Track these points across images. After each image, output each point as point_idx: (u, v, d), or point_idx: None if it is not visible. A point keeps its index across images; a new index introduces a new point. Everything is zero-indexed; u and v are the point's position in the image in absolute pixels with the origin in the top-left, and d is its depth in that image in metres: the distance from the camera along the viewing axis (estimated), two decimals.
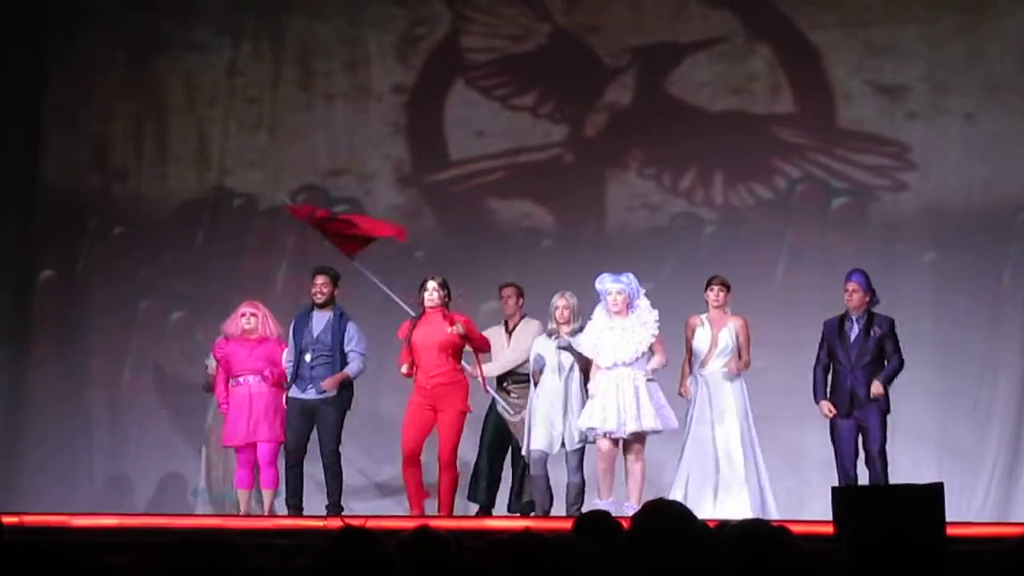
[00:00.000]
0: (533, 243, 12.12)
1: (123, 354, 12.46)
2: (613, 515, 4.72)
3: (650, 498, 4.30)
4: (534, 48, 12.34)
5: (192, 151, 12.67)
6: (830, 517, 6.82)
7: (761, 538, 3.67)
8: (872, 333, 9.54)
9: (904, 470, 9.93)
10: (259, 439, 10.08)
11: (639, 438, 9.31)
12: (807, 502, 10.67)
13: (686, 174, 11.99)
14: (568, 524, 5.06)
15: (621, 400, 9.20)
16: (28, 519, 9.01)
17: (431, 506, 9.98)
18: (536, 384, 9.54)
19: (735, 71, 11.99)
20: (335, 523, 7.94)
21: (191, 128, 12.69)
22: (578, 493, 9.45)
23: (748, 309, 9.91)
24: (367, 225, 10.36)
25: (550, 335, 9.56)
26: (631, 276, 9.41)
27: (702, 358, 9.60)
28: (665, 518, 3.75)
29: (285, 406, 9.98)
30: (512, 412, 9.83)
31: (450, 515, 9.63)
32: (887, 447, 9.47)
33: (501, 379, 9.97)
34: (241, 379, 10.13)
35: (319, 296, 9.91)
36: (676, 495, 9.21)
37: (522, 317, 10.07)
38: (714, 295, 9.65)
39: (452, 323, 9.51)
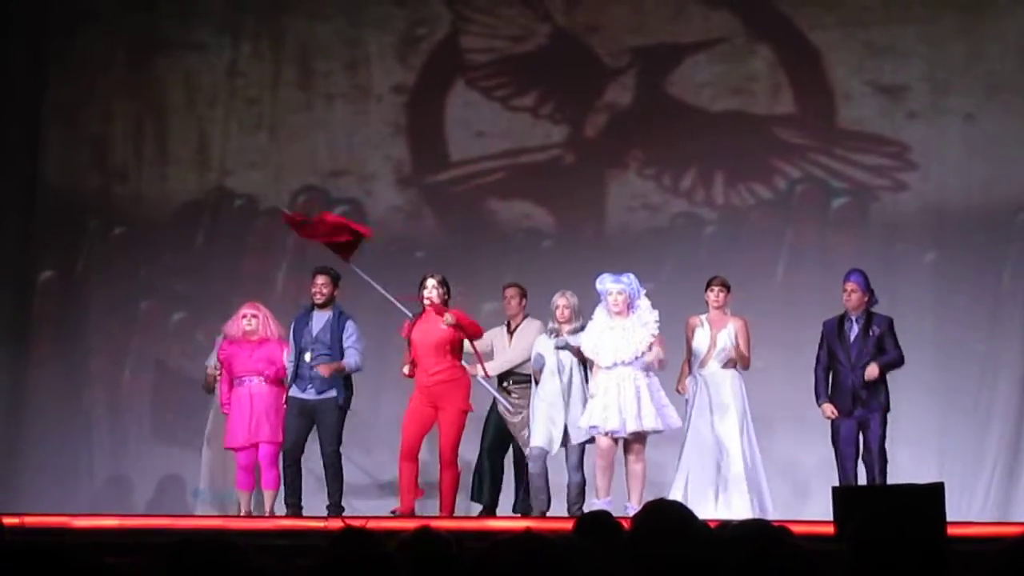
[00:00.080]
0: (533, 243, 12.12)
1: (123, 354, 12.46)
2: (613, 515, 4.73)
3: (651, 498, 4.30)
4: (534, 49, 12.34)
5: (192, 151, 12.68)
6: (830, 517, 6.83)
7: (762, 538, 3.67)
8: (871, 333, 9.55)
9: (904, 470, 9.94)
10: (260, 440, 10.10)
11: (640, 438, 9.32)
12: (807, 502, 10.68)
13: (686, 174, 11.99)
14: (569, 524, 5.06)
15: (622, 400, 9.20)
16: (28, 520, 9.01)
17: (431, 506, 9.99)
18: (537, 383, 9.56)
19: (735, 71, 11.99)
20: (336, 524, 7.94)
21: (191, 128, 12.69)
22: (579, 492, 9.46)
23: (748, 309, 9.92)
24: (333, 224, 10.28)
25: (550, 334, 9.57)
26: (631, 276, 9.42)
27: (701, 358, 9.61)
28: (666, 518, 3.75)
29: (285, 406, 10.00)
30: (512, 410, 9.84)
31: (451, 513, 9.64)
32: (887, 445, 9.48)
33: (502, 379, 9.97)
34: (242, 380, 10.16)
35: (319, 296, 9.92)
36: (676, 495, 9.21)
37: (524, 317, 10.07)
38: (714, 296, 9.66)
39: (441, 315, 9.52)
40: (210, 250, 12.44)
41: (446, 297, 9.71)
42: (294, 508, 9.80)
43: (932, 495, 6.76)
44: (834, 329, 9.65)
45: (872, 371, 9.44)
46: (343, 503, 9.93)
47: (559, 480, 9.66)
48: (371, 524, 5.39)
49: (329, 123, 12.54)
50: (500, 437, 9.96)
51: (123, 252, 12.57)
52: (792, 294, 11.46)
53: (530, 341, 9.77)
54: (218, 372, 10.61)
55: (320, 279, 9.95)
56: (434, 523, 5.74)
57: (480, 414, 10.04)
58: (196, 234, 12.54)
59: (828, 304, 9.98)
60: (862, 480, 9.44)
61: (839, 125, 11.86)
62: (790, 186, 11.88)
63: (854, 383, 9.51)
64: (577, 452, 9.50)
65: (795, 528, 3.93)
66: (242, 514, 10.11)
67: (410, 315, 9.78)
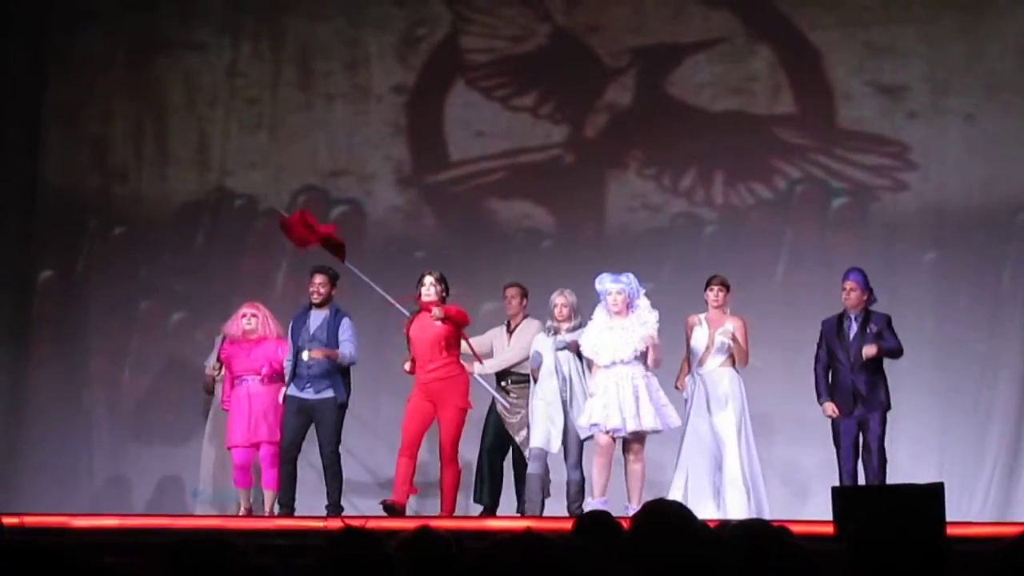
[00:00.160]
0: (533, 243, 12.12)
1: (123, 354, 12.45)
2: (613, 515, 4.73)
3: (650, 498, 4.30)
4: (534, 49, 12.34)
5: (192, 152, 12.67)
6: (830, 517, 6.83)
7: (762, 538, 3.68)
8: (868, 330, 9.55)
9: (904, 470, 9.94)
10: (259, 440, 10.12)
11: (639, 438, 9.33)
12: (806, 502, 10.68)
13: (686, 174, 11.99)
14: (569, 524, 5.06)
15: (621, 399, 9.21)
16: (28, 520, 9.01)
17: (432, 505, 9.99)
18: (536, 381, 9.56)
19: (735, 72, 11.99)
20: (336, 524, 7.94)
21: (191, 128, 12.69)
22: (578, 490, 9.47)
23: (748, 309, 9.92)
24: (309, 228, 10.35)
25: (548, 332, 9.58)
26: (631, 276, 9.42)
27: (699, 357, 9.62)
28: (665, 518, 3.75)
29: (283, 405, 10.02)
30: (510, 410, 9.86)
31: (452, 512, 9.66)
32: (886, 443, 9.48)
33: (500, 378, 9.99)
34: (241, 380, 10.19)
35: (316, 296, 9.95)
36: (676, 495, 9.21)
37: (524, 317, 10.09)
38: (714, 295, 9.66)
39: (430, 311, 9.55)
40: (210, 250, 12.44)
41: (444, 294, 9.74)
42: (287, 508, 9.80)
43: (932, 495, 6.76)
44: (833, 328, 9.66)
45: (870, 350, 9.44)
46: (343, 502, 9.94)
47: (558, 479, 9.67)
48: (371, 524, 5.39)
49: (329, 123, 12.54)
50: (500, 438, 9.97)
51: (123, 252, 12.57)
52: (792, 294, 11.46)
53: (528, 340, 9.78)
54: (217, 372, 10.63)
55: (318, 278, 9.97)
56: (434, 523, 5.74)
57: (480, 413, 10.04)
58: (196, 234, 12.54)
59: (828, 304, 9.99)
60: (862, 480, 9.44)
61: (839, 125, 11.86)
62: (790, 186, 11.88)
63: (854, 382, 9.51)
64: (576, 451, 9.52)
65: (794, 528, 3.93)
66: (242, 512, 10.12)
67: (407, 313, 9.80)
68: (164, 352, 12.37)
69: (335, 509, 9.77)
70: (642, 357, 9.33)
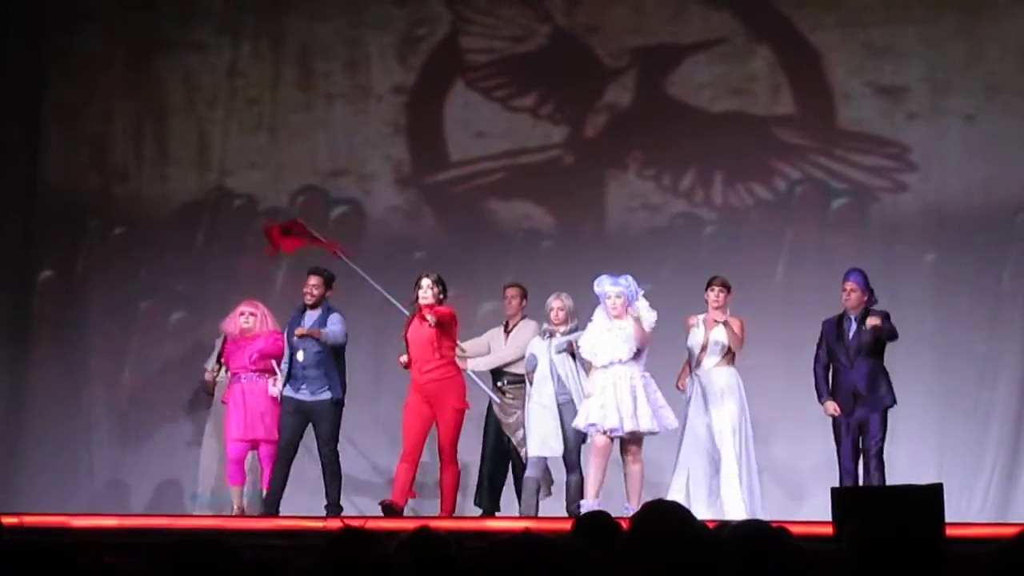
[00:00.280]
0: (533, 244, 12.11)
1: (123, 354, 12.45)
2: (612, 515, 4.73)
3: (649, 499, 4.30)
4: (534, 49, 12.33)
5: (192, 152, 12.67)
6: (830, 517, 6.83)
7: (761, 538, 3.68)
8: (864, 330, 9.53)
9: (904, 470, 9.94)
10: (256, 437, 10.16)
11: (636, 439, 9.33)
12: (806, 502, 10.68)
13: (686, 175, 11.99)
14: (568, 524, 5.06)
15: (619, 399, 9.21)
16: (28, 519, 9.02)
17: (432, 505, 10.00)
18: (531, 384, 9.57)
19: (735, 72, 11.98)
20: (335, 524, 7.94)
21: (191, 128, 12.69)
22: (578, 491, 9.48)
23: (748, 309, 9.92)
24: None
25: (544, 336, 9.59)
26: (630, 278, 9.42)
27: (696, 357, 9.62)
28: (665, 519, 3.75)
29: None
30: (503, 405, 9.87)
31: (452, 512, 9.67)
32: (885, 447, 9.48)
33: (496, 379, 10.01)
34: (238, 377, 10.23)
35: (309, 297, 10.00)
36: (675, 496, 9.21)
37: (523, 318, 10.10)
38: (714, 295, 9.66)
39: (425, 317, 9.60)
40: (210, 250, 12.44)
41: (441, 296, 9.77)
42: (271, 507, 9.80)
43: (931, 495, 6.76)
44: (833, 328, 9.66)
45: (873, 320, 9.43)
46: (343, 501, 9.97)
47: (558, 479, 9.68)
48: (370, 524, 5.39)
49: (329, 123, 12.53)
50: (500, 442, 9.97)
51: (123, 252, 12.56)
52: (792, 294, 11.46)
53: (524, 340, 9.81)
54: (216, 374, 10.66)
55: (312, 280, 10.03)
56: (434, 523, 5.74)
57: (479, 412, 10.06)
58: (196, 234, 12.54)
59: (828, 304, 9.99)
60: (861, 480, 9.44)
61: (839, 126, 11.86)
62: (790, 187, 11.87)
63: (855, 381, 9.51)
64: (574, 452, 9.53)
65: (794, 528, 3.93)
66: (235, 511, 10.13)
67: (407, 312, 9.84)
68: (164, 352, 12.37)
69: (335, 509, 9.78)
70: (642, 359, 9.35)
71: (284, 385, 9.98)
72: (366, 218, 12.31)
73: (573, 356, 9.51)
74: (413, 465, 9.73)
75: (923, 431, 10.99)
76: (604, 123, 12.17)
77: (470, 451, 10.14)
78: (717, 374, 9.57)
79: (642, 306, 9.41)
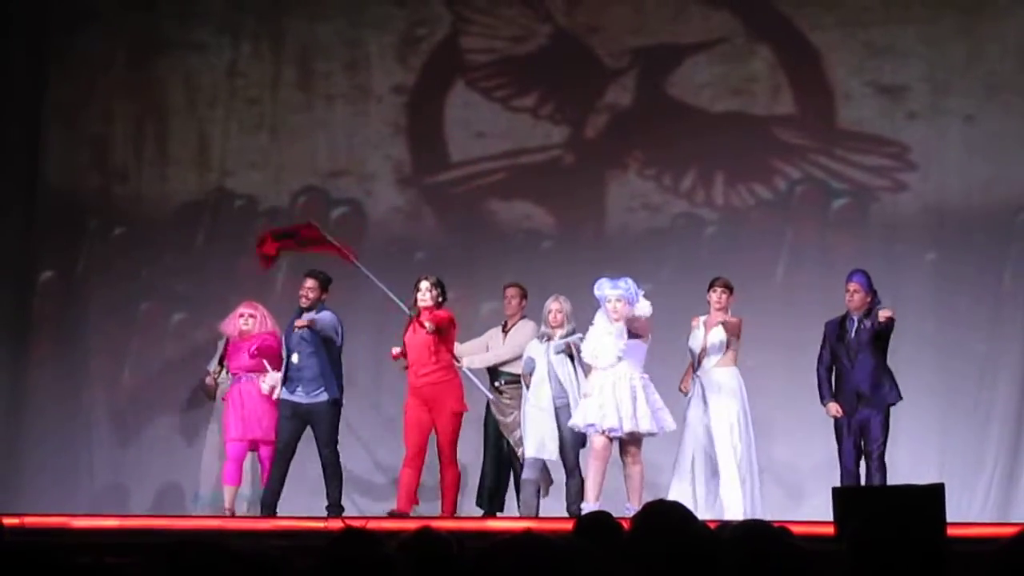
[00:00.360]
0: (533, 244, 12.11)
1: (123, 355, 12.45)
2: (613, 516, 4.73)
3: (649, 499, 4.30)
4: (534, 49, 12.33)
5: (193, 152, 12.67)
6: (830, 517, 6.83)
7: (762, 538, 3.67)
8: (863, 326, 9.53)
9: (905, 470, 9.94)
10: (258, 439, 10.18)
11: (635, 440, 9.32)
12: (807, 502, 10.68)
13: (686, 175, 11.99)
14: (569, 524, 5.06)
15: (618, 399, 9.21)
16: (28, 520, 9.02)
17: (433, 506, 10.00)
18: (528, 387, 9.57)
19: (735, 72, 11.98)
20: (336, 524, 7.95)
21: (191, 129, 12.68)
22: (577, 491, 9.48)
23: (748, 309, 9.93)
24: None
25: (542, 339, 9.59)
26: (629, 280, 9.41)
27: (696, 358, 9.62)
28: (665, 518, 3.75)
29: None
30: (500, 405, 9.88)
31: (453, 513, 9.68)
32: (887, 450, 9.47)
33: (493, 379, 10.02)
34: (238, 378, 10.26)
35: (304, 300, 10.03)
36: (674, 496, 9.20)
37: (521, 318, 10.10)
38: (716, 297, 9.66)
39: (423, 324, 9.61)
40: (210, 250, 12.44)
41: (440, 299, 9.79)
42: (268, 508, 9.81)
43: (932, 496, 6.76)
44: (836, 329, 9.66)
45: (885, 311, 9.43)
46: (345, 500, 9.98)
47: (557, 479, 9.68)
48: (371, 524, 5.40)
49: (329, 123, 12.53)
50: (499, 443, 9.98)
51: (123, 252, 12.56)
52: (792, 294, 11.46)
53: (522, 340, 9.82)
54: (218, 376, 10.67)
55: (308, 282, 10.05)
56: (435, 523, 5.74)
57: (478, 415, 10.06)
58: (196, 234, 12.54)
59: (828, 304, 9.99)
60: (863, 482, 9.44)
61: (839, 126, 11.86)
62: (790, 187, 11.87)
63: (857, 382, 9.51)
64: (573, 454, 9.53)
65: (795, 528, 3.92)
66: (226, 510, 10.13)
67: (409, 313, 9.85)
68: (164, 352, 12.36)
69: (335, 509, 9.79)
70: (641, 359, 9.36)
71: (281, 387, 10.00)
72: (366, 219, 12.30)
73: (572, 358, 9.51)
74: (417, 471, 9.76)
75: (924, 431, 10.99)
76: (604, 123, 12.17)
77: (469, 452, 10.14)
78: (717, 374, 9.57)
79: (641, 305, 9.41)
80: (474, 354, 10.09)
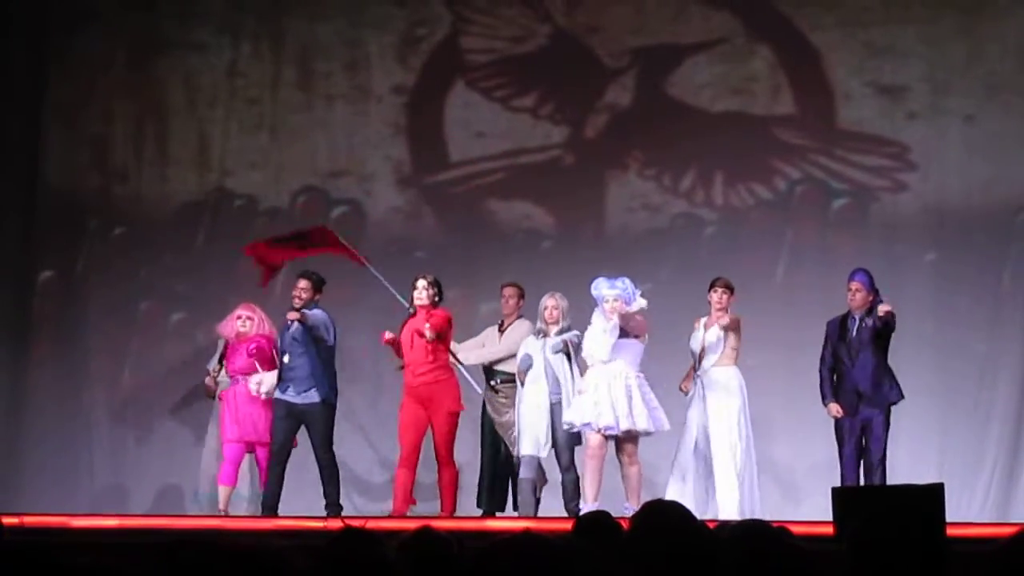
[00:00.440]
0: (533, 244, 12.11)
1: (123, 355, 12.45)
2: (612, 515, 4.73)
3: (647, 499, 4.30)
4: (534, 49, 12.33)
5: (193, 152, 12.66)
6: (830, 517, 6.83)
7: (761, 538, 3.67)
8: (864, 324, 9.53)
9: (904, 470, 9.94)
10: (253, 440, 10.19)
11: (631, 438, 9.32)
12: (806, 502, 10.68)
13: (686, 175, 11.98)
14: (568, 524, 5.06)
15: (614, 396, 9.21)
16: (28, 520, 9.01)
17: (433, 506, 10.00)
18: (523, 384, 9.57)
19: (735, 72, 11.98)
20: (336, 524, 7.94)
21: (191, 129, 12.68)
22: (574, 489, 9.48)
23: (748, 309, 9.93)
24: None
25: (538, 335, 9.59)
26: (627, 280, 9.41)
27: (697, 358, 9.62)
28: (665, 518, 3.75)
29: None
30: (481, 391, 9.88)
31: (452, 512, 9.68)
32: (888, 451, 9.46)
33: (489, 378, 10.03)
34: (236, 380, 10.27)
35: (296, 300, 10.03)
36: (672, 496, 9.20)
37: (518, 318, 10.11)
38: (717, 297, 9.66)
39: (427, 321, 9.61)
40: (210, 250, 12.44)
41: (437, 298, 9.81)
42: (270, 510, 9.81)
43: (932, 495, 6.76)
44: (837, 329, 9.65)
45: (884, 307, 9.42)
46: (344, 500, 9.98)
47: (553, 478, 9.67)
48: (371, 524, 5.39)
49: (329, 123, 12.53)
50: (496, 443, 9.98)
51: (123, 252, 12.56)
52: (792, 294, 11.46)
53: (517, 339, 9.82)
54: (217, 375, 10.68)
55: (301, 283, 10.06)
56: (434, 523, 5.74)
57: (474, 414, 10.07)
58: (196, 234, 12.54)
59: (829, 304, 9.98)
60: (862, 481, 9.43)
61: (839, 126, 11.86)
62: (790, 187, 11.87)
63: (858, 382, 9.51)
64: (568, 452, 9.52)
65: (794, 528, 3.92)
66: (220, 510, 10.13)
67: (410, 309, 9.86)
68: (164, 352, 12.36)
69: (335, 508, 9.79)
70: (638, 358, 9.36)
71: (275, 388, 10.03)
72: (366, 219, 12.30)
73: (568, 357, 9.51)
74: (411, 471, 9.77)
75: (923, 431, 10.99)
76: (604, 123, 12.17)
77: (467, 451, 10.14)
78: (717, 373, 9.57)
79: (638, 304, 9.41)
80: (469, 350, 10.11)
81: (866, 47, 11.80)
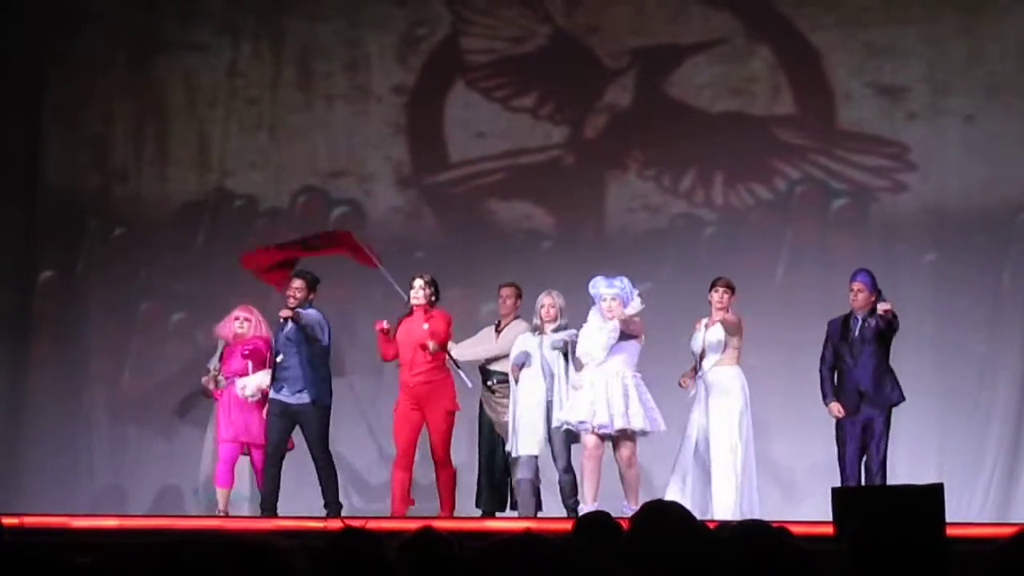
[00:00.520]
0: (533, 244, 12.11)
1: (123, 355, 12.45)
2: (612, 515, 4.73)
3: (647, 499, 4.30)
4: (534, 49, 12.33)
5: (192, 152, 12.66)
6: (830, 517, 6.83)
7: (761, 538, 3.68)
8: (867, 324, 9.53)
9: (904, 470, 9.95)
10: (248, 441, 10.20)
11: (628, 438, 9.30)
12: (806, 502, 10.67)
13: (686, 175, 11.99)
14: (568, 524, 5.06)
15: (610, 395, 9.20)
16: (28, 520, 9.02)
17: (432, 507, 10.00)
18: (516, 381, 9.54)
19: (735, 72, 11.98)
20: (336, 523, 7.95)
21: (191, 129, 12.68)
22: (571, 488, 9.47)
23: (748, 309, 9.93)
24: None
25: (534, 332, 9.59)
26: (625, 280, 9.41)
27: (698, 359, 9.62)
28: (665, 518, 3.75)
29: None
30: (471, 385, 9.87)
31: (452, 512, 9.68)
32: (888, 451, 9.46)
33: (485, 379, 10.02)
34: (231, 380, 10.29)
35: (291, 300, 10.05)
36: (671, 496, 9.20)
37: (515, 318, 10.11)
38: (718, 297, 9.66)
39: (426, 322, 9.61)
40: (210, 250, 12.43)
41: (433, 298, 9.83)
42: (269, 511, 9.81)
43: (931, 496, 6.76)
44: (839, 329, 9.65)
45: (884, 304, 9.43)
46: (343, 500, 9.98)
47: (550, 478, 9.67)
48: (371, 524, 5.39)
49: (329, 124, 12.53)
50: (494, 443, 9.97)
51: (123, 252, 12.56)
52: (792, 294, 11.46)
53: (513, 339, 9.79)
54: (217, 374, 10.69)
55: (296, 283, 10.08)
56: (434, 523, 5.74)
57: (472, 416, 10.07)
58: (196, 234, 12.54)
59: (829, 304, 9.99)
60: (862, 481, 9.43)
61: (839, 126, 11.86)
62: (790, 187, 11.87)
63: (859, 381, 9.51)
64: (564, 453, 9.51)
65: (794, 528, 3.93)
66: (219, 512, 10.14)
67: (407, 300, 9.87)
68: (164, 353, 12.36)
69: (333, 507, 9.79)
70: (634, 357, 9.36)
71: (259, 390, 10.04)
72: (366, 219, 12.30)
73: (566, 356, 9.51)
74: (407, 470, 9.77)
75: (923, 431, 10.99)
76: (604, 123, 12.17)
77: (465, 452, 10.14)
78: (717, 373, 9.57)
79: (635, 304, 9.40)
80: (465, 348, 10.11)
81: (866, 47, 11.80)
